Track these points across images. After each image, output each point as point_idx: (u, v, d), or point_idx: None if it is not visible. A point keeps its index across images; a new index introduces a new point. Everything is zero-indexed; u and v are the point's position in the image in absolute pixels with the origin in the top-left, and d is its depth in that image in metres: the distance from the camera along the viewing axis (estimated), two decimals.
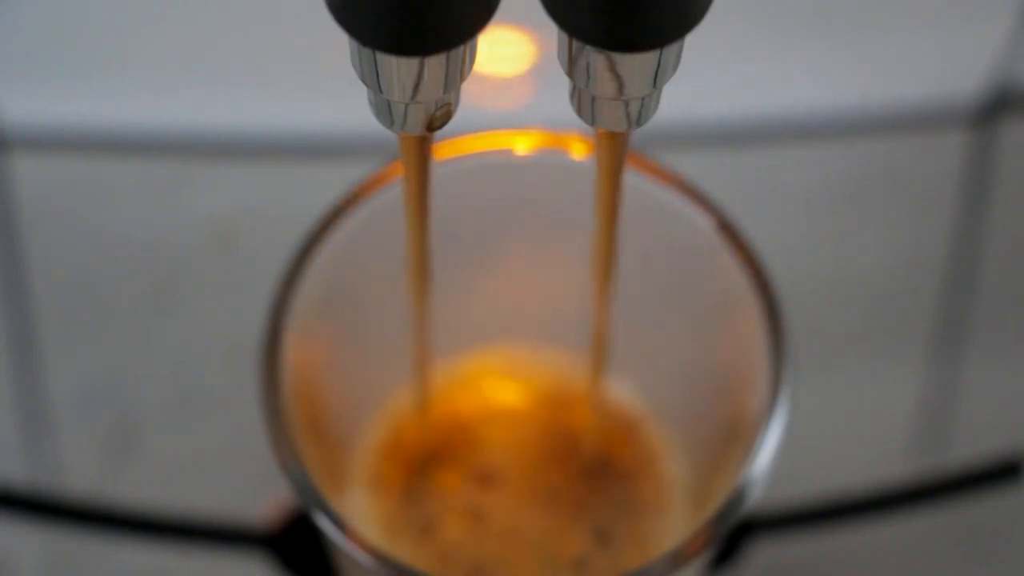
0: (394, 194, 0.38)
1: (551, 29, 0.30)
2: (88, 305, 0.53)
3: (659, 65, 0.30)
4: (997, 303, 0.54)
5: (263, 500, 0.46)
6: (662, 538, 0.40)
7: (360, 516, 0.40)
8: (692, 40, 0.30)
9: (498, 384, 0.42)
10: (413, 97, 0.30)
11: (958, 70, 0.57)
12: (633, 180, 0.37)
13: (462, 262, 0.42)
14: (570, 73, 0.31)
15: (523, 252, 0.42)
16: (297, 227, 0.40)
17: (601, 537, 0.40)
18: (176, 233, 0.55)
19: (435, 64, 0.30)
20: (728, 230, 0.38)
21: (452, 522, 0.40)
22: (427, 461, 0.41)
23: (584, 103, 0.31)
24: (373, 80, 0.30)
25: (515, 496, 0.41)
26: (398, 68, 0.29)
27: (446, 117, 0.31)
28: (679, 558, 0.35)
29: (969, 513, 0.51)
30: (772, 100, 0.57)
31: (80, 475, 0.51)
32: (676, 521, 0.40)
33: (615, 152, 0.33)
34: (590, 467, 0.41)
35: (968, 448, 0.51)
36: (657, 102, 0.31)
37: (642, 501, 0.41)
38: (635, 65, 0.30)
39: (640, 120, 0.31)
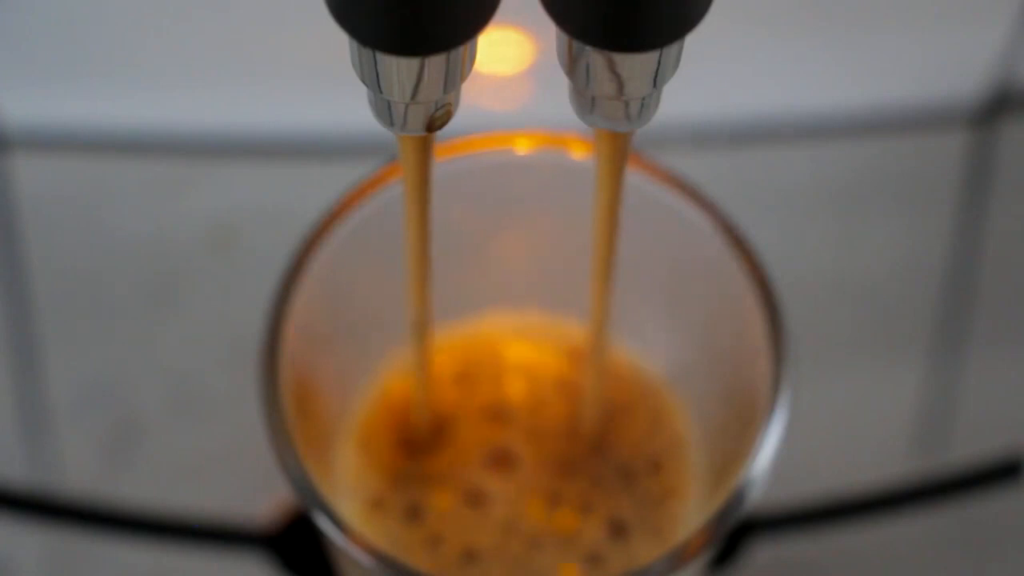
0: (394, 194, 0.38)
1: (551, 29, 0.30)
2: (88, 305, 0.53)
3: (659, 65, 0.30)
4: (997, 303, 0.54)
5: (263, 500, 0.46)
6: (680, 529, 0.40)
7: (348, 496, 0.40)
8: (692, 40, 0.30)
9: (500, 369, 0.42)
10: (413, 97, 0.30)
11: (958, 70, 0.57)
12: (633, 180, 0.37)
13: (461, 262, 0.42)
14: (570, 73, 0.31)
15: (522, 252, 0.42)
16: (297, 227, 0.40)
17: (616, 529, 0.40)
18: (176, 233, 0.55)
19: (435, 64, 0.30)
20: (728, 230, 0.38)
21: (445, 505, 0.40)
22: (423, 441, 0.41)
23: (584, 103, 0.31)
24: (373, 80, 0.30)
25: (516, 481, 0.41)
26: (398, 68, 0.30)
27: (446, 117, 0.31)
28: (679, 558, 0.35)
29: (969, 513, 0.51)
30: (772, 100, 0.57)
31: (80, 475, 0.51)
32: (694, 512, 0.40)
33: (615, 152, 0.33)
34: (598, 450, 0.41)
35: (968, 448, 0.51)
36: (657, 102, 0.31)
37: (659, 490, 0.41)
38: (635, 65, 0.30)
39: (640, 120, 0.31)
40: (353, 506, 0.40)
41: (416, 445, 0.41)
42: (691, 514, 0.40)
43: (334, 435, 0.41)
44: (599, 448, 0.41)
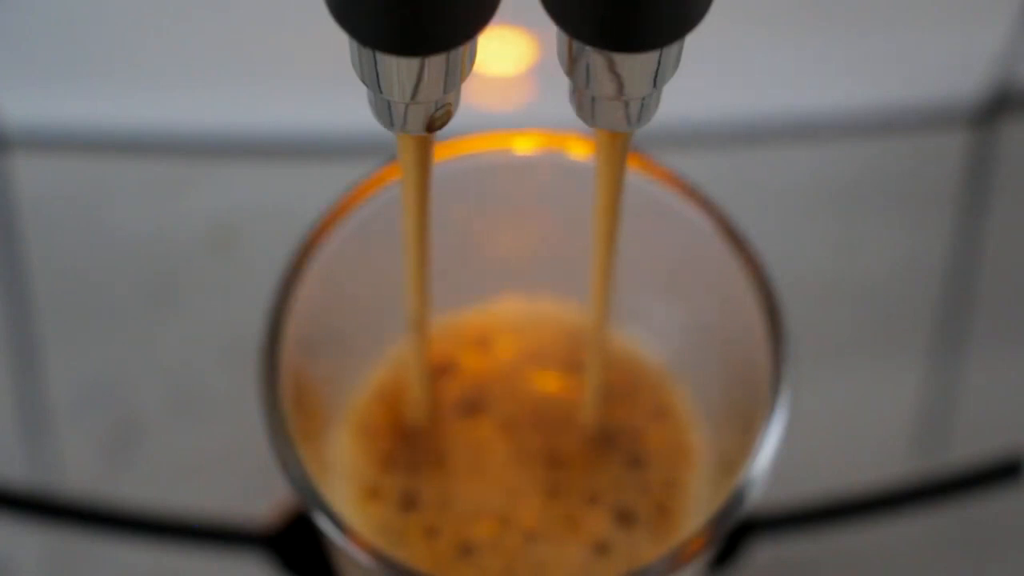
0: (394, 194, 0.38)
1: (551, 29, 0.30)
2: (88, 305, 0.53)
3: (659, 65, 0.30)
4: (997, 303, 0.54)
5: (263, 500, 0.46)
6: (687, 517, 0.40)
7: (343, 486, 0.40)
8: (692, 40, 0.30)
9: (498, 359, 0.42)
10: (413, 97, 0.30)
11: (958, 70, 0.57)
12: (633, 180, 0.37)
13: (461, 262, 0.42)
14: (570, 73, 0.31)
15: (522, 253, 0.42)
16: (297, 227, 0.40)
17: (620, 518, 0.40)
18: (176, 233, 0.55)
19: (435, 64, 0.30)
20: (728, 230, 0.38)
21: (442, 494, 0.40)
22: (421, 431, 0.41)
23: (584, 103, 0.31)
24: (373, 80, 0.30)
25: (516, 468, 0.41)
26: (398, 68, 0.30)
27: (446, 117, 0.31)
28: (679, 558, 0.35)
29: (969, 513, 0.51)
30: (772, 100, 0.57)
31: (80, 475, 0.51)
32: (697, 503, 0.40)
33: (615, 152, 0.33)
34: (599, 439, 0.41)
35: (968, 448, 0.51)
36: (657, 102, 0.31)
37: (663, 479, 0.41)
38: (635, 65, 0.30)
39: (640, 120, 0.31)
40: (349, 495, 0.40)
41: (414, 434, 0.41)
42: (694, 505, 0.40)
43: (330, 425, 0.41)
44: (600, 437, 0.41)
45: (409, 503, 0.40)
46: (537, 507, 0.40)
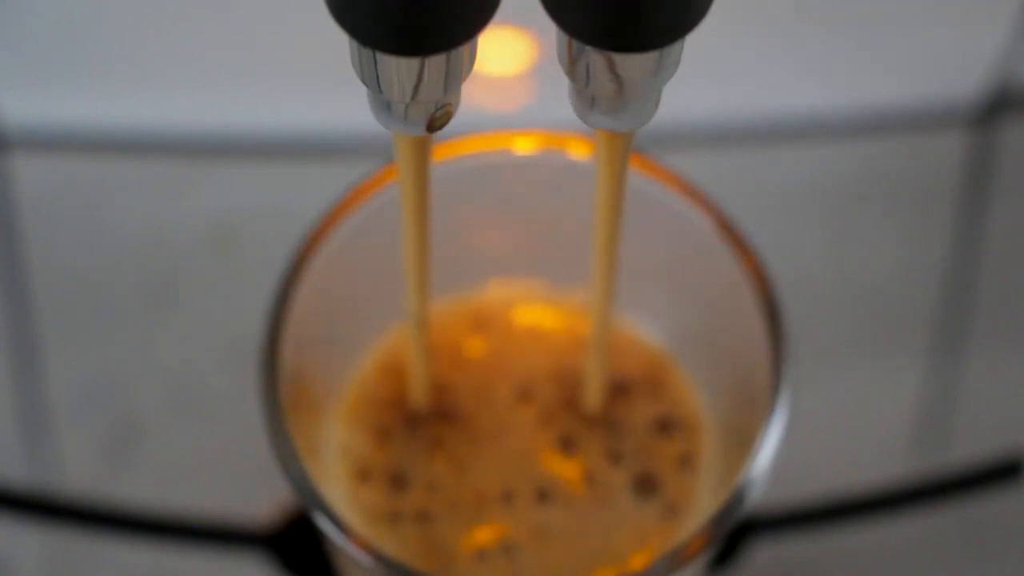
0: (394, 194, 0.38)
1: (551, 29, 0.30)
2: (88, 305, 0.53)
3: (659, 65, 0.30)
4: (997, 303, 0.54)
5: (263, 500, 0.46)
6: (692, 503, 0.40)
7: (338, 474, 0.40)
8: (692, 40, 0.30)
9: (499, 344, 0.42)
10: (413, 97, 0.30)
11: (958, 70, 0.57)
12: (633, 180, 0.37)
13: (460, 262, 0.42)
14: (570, 73, 0.31)
15: (522, 253, 0.42)
16: (297, 227, 0.40)
17: (628, 497, 0.40)
18: (176, 233, 0.55)
19: (435, 64, 0.30)
20: (728, 230, 0.38)
21: (439, 481, 0.40)
22: (420, 417, 0.41)
23: (584, 103, 0.31)
24: (373, 80, 0.30)
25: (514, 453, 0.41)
26: (398, 68, 0.30)
27: (446, 117, 0.31)
28: (679, 558, 0.35)
29: (969, 513, 0.51)
30: (772, 100, 0.57)
31: (80, 475, 0.51)
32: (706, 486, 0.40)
33: (615, 153, 0.33)
34: (602, 423, 0.41)
35: (968, 448, 0.51)
36: (657, 102, 0.31)
37: (674, 457, 0.41)
38: (635, 65, 0.30)
39: (640, 120, 0.31)
40: (346, 482, 0.40)
41: (412, 418, 0.41)
42: (704, 489, 0.40)
43: (327, 414, 0.41)
44: (604, 421, 0.41)
45: (404, 485, 0.40)
46: (535, 497, 0.40)
